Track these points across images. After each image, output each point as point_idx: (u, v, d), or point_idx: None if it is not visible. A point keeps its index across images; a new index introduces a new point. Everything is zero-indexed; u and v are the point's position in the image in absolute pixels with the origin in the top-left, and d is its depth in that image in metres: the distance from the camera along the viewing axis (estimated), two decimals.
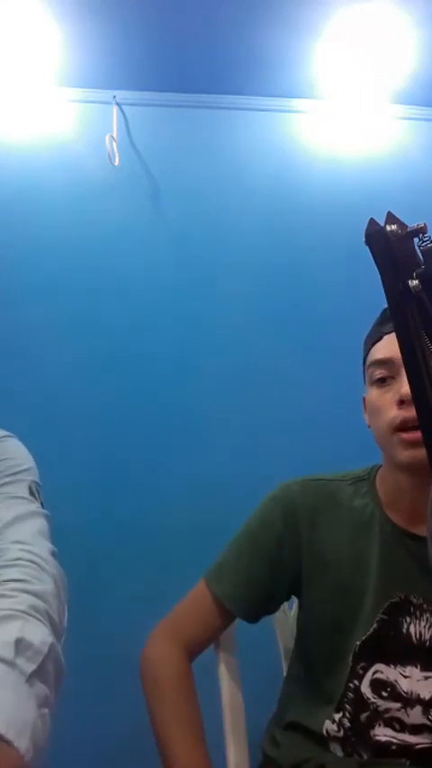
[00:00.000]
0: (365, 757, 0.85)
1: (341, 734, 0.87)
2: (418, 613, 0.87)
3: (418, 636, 0.86)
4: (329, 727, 0.87)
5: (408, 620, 0.87)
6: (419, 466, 0.82)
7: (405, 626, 0.87)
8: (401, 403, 0.83)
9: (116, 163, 1.71)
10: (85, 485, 1.61)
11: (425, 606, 0.87)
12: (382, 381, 0.87)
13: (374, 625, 0.87)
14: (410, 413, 0.81)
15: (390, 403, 0.85)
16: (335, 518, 0.93)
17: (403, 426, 0.83)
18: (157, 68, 1.69)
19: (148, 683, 0.89)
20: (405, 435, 0.83)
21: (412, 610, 0.87)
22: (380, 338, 0.88)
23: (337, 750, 0.87)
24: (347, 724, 0.87)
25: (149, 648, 0.92)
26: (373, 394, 0.89)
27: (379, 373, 0.87)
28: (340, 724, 0.87)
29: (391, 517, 0.91)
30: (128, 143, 1.75)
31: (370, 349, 0.91)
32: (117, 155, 1.71)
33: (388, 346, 0.86)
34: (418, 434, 0.80)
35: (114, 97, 1.75)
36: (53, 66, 1.67)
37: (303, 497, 0.95)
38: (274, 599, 0.96)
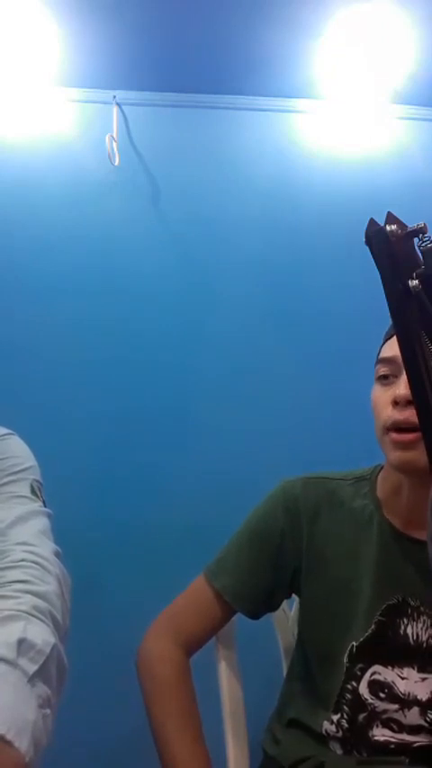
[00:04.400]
0: (364, 755, 0.86)
1: (340, 734, 0.87)
2: (415, 615, 0.87)
3: (415, 637, 0.86)
4: (328, 727, 0.88)
5: (405, 621, 0.87)
6: (409, 468, 0.83)
7: (403, 627, 0.87)
8: (395, 404, 0.83)
9: (116, 163, 1.71)
10: (85, 485, 1.61)
11: (422, 609, 0.87)
12: (384, 379, 0.88)
13: (372, 627, 0.87)
14: (402, 415, 0.81)
15: (387, 402, 0.85)
16: (335, 517, 0.93)
17: (394, 427, 0.83)
18: (157, 68, 1.69)
19: (146, 680, 0.89)
20: (395, 436, 0.83)
21: (410, 612, 0.87)
22: (392, 336, 0.88)
23: (336, 748, 0.87)
24: (346, 725, 0.87)
25: (147, 644, 0.92)
26: (376, 391, 0.89)
27: (382, 371, 0.88)
28: (338, 725, 0.87)
29: (389, 519, 0.91)
30: (128, 143, 1.75)
31: (382, 345, 0.91)
32: (117, 155, 1.71)
33: (395, 345, 0.86)
34: (408, 436, 0.81)
35: (114, 97, 1.75)
36: (53, 66, 1.66)
37: (305, 494, 0.95)
38: (275, 594, 0.96)
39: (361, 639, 0.88)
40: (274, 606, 0.99)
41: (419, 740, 0.84)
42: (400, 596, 0.88)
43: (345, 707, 0.87)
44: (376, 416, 0.88)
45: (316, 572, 0.92)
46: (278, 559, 0.94)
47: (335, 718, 0.88)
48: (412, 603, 0.87)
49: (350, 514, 0.93)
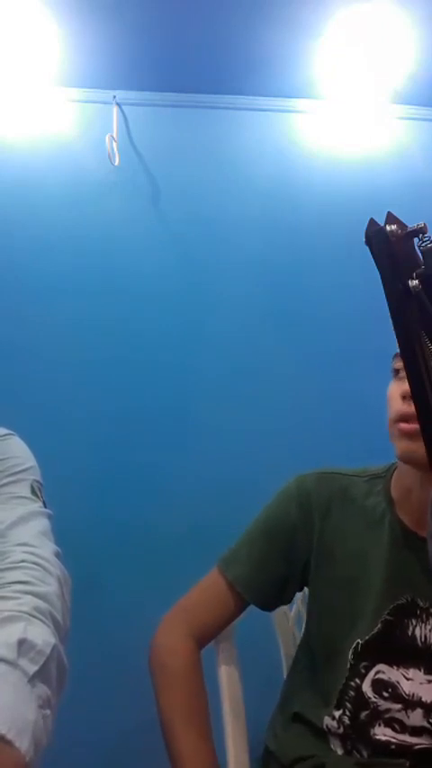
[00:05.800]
0: (365, 755, 0.85)
1: (341, 731, 0.87)
2: (424, 617, 0.87)
3: (423, 639, 0.86)
4: (329, 723, 0.88)
5: (413, 622, 0.87)
6: (413, 459, 0.84)
7: (411, 628, 0.87)
8: (404, 398, 0.85)
9: (116, 163, 1.71)
10: (85, 485, 1.60)
11: (431, 610, 0.87)
12: (396, 373, 0.89)
13: (379, 625, 0.87)
14: (411, 408, 0.82)
15: (397, 395, 0.87)
16: (347, 513, 0.94)
17: (402, 419, 0.84)
18: (157, 68, 1.69)
19: (156, 670, 0.90)
20: (401, 426, 0.84)
21: (419, 613, 0.87)
22: None
23: (336, 746, 0.87)
24: (347, 722, 0.87)
25: (159, 636, 0.93)
26: (391, 385, 0.91)
27: (396, 365, 0.89)
28: (340, 721, 0.87)
29: (401, 518, 0.91)
30: (128, 143, 1.75)
31: None
32: (117, 155, 1.71)
33: None
34: (414, 426, 0.82)
35: (114, 97, 1.75)
36: (53, 66, 1.66)
37: (318, 489, 0.96)
38: (288, 587, 0.97)
39: (366, 637, 0.87)
40: (285, 599, 0.99)
41: (421, 742, 0.84)
42: (409, 596, 0.87)
43: (347, 703, 0.87)
44: (388, 410, 0.89)
45: (324, 568, 0.93)
46: (290, 553, 0.95)
47: (336, 714, 0.87)
48: (421, 605, 0.87)
49: (362, 512, 0.93)
